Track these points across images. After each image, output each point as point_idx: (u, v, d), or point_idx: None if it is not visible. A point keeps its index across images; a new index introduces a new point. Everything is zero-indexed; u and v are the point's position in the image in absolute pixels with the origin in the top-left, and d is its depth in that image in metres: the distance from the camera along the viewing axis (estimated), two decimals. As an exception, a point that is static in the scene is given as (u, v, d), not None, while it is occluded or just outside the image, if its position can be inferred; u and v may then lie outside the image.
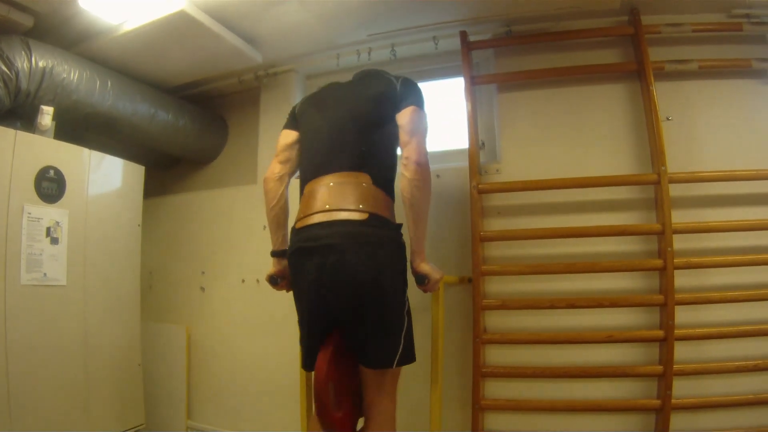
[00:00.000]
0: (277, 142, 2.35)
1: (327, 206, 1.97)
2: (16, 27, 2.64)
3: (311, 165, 2.15)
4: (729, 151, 2.62)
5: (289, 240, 2.15)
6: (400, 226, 2.06)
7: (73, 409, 2.62)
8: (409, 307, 2.05)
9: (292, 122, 2.37)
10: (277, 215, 2.28)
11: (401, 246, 2.04)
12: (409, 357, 2.00)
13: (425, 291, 2.18)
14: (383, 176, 2.09)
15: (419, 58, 3.22)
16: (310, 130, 2.26)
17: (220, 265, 3.50)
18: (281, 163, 2.29)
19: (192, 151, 3.68)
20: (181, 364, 3.47)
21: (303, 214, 2.04)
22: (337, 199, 1.98)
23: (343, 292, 1.89)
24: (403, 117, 2.09)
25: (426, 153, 2.04)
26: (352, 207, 1.95)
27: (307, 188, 2.11)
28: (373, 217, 1.95)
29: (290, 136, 2.33)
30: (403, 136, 2.06)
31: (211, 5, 2.70)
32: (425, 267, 2.06)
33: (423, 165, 2.00)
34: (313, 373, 1.96)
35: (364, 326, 1.91)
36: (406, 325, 2.00)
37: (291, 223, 2.17)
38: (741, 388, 2.43)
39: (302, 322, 2.07)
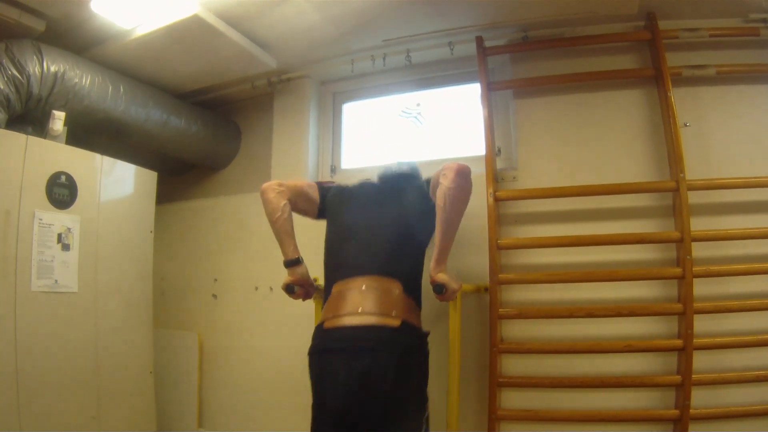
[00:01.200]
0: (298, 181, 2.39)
1: (360, 309, 1.96)
2: (28, 31, 2.63)
3: (340, 264, 2.15)
4: (747, 157, 2.59)
5: (312, 336, 2.09)
6: (427, 334, 2.07)
7: (84, 417, 2.59)
8: (428, 415, 2.04)
9: (323, 192, 2.42)
10: (284, 225, 2.26)
11: (427, 356, 2.06)
12: None
13: (442, 300, 2.16)
14: (413, 284, 2.11)
15: (434, 64, 3.20)
16: (341, 224, 2.28)
17: (233, 272, 3.48)
18: (284, 188, 2.31)
19: (205, 158, 3.67)
20: (193, 372, 3.45)
21: (332, 314, 2.01)
22: (370, 303, 1.97)
23: (371, 396, 1.86)
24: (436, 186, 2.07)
25: (468, 172, 2.02)
26: (385, 312, 1.94)
27: (335, 288, 2.09)
28: (405, 324, 1.95)
29: (314, 193, 2.40)
30: (439, 175, 2.06)
31: (224, 9, 2.68)
32: (444, 276, 2.04)
33: (463, 174, 1.99)
34: None
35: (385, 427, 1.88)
36: (425, 423, 1.99)
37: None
38: (760, 398, 2.39)
39: (319, 419, 2.01)
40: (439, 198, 1.98)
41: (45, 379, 2.42)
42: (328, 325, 2.00)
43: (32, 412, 2.34)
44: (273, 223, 2.27)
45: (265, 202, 2.28)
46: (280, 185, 2.31)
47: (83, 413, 2.60)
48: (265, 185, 2.31)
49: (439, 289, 2.05)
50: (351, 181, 2.54)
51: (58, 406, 2.47)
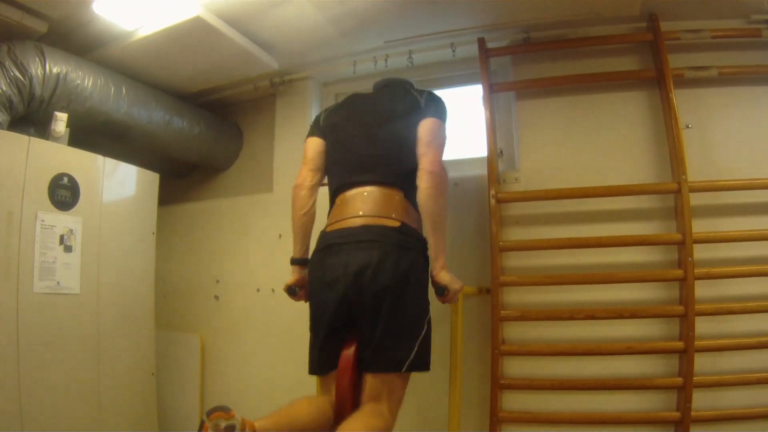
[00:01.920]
0: (304, 149, 2.34)
1: (361, 212, 2.01)
2: (30, 33, 2.62)
3: (343, 176, 2.17)
4: (750, 159, 2.59)
5: (315, 243, 2.13)
6: (426, 241, 2.07)
7: (85, 419, 2.59)
8: (430, 317, 2.03)
9: (318, 131, 2.36)
10: (305, 223, 2.27)
11: (427, 258, 2.06)
12: (421, 364, 1.96)
13: (444, 302, 2.15)
14: (413, 192, 2.09)
15: (436, 65, 3.21)
16: (339, 141, 2.26)
17: (235, 273, 3.48)
18: (312, 170, 2.29)
19: (207, 159, 3.67)
20: (195, 374, 3.45)
21: (335, 219, 2.07)
22: (372, 206, 2.02)
23: (368, 290, 1.87)
24: (422, 128, 2.11)
25: (442, 163, 2.06)
26: (385, 214, 1.98)
27: (339, 198, 2.13)
28: (404, 226, 1.99)
29: (319, 144, 2.32)
30: (420, 147, 2.08)
31: (226, 11, 2.68)
32: (445, 277, 2.04)
33: (438, 174, 2.02)
34: (323, 374, 1.99)
35: (381, 326, 1.88)
36: (424, 332, 1.97)
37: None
38: (762, 401, 2.39)
39: (318, 321, 2.03)
40: (421, 200, 2.01)
41: (47, 381, 2.41)
42: (330, 228, 2.06)
43: (34, 413, 2.33)
44: (296, 219, 2.28)
45: (294, 199, 2.28)
46: (312, 173, 2.29)
47: (85, 415, 2.59)
48: (298, 182, 2.29)
49: (441, 290, 2.05)
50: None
51: (60, 408, 2.46)
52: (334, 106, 2.45)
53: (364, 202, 2.03)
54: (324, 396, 1.99)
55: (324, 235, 2.07)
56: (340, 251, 1.95)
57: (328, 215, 2.16)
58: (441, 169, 2.05)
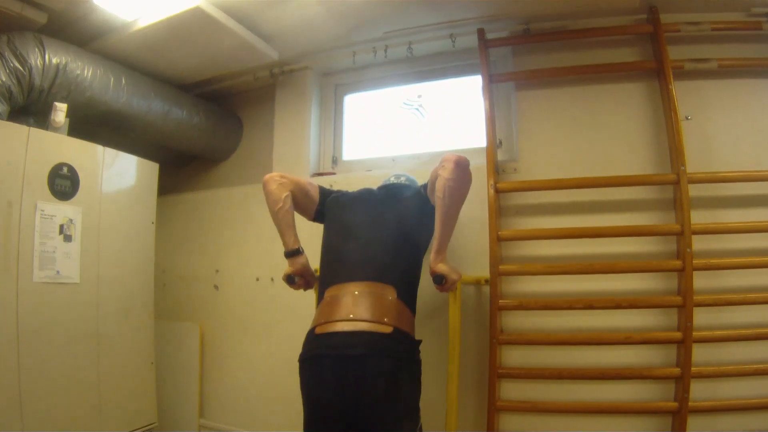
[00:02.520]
0: (300, 179, 2.40)
1: (351, 315, 1.94)
2: (30, 24, 2.63)
3: (336, 268, 2.15)
4: (748, 151, 2.58)
5: (304, 342, 2.06)
6: (419, 342, 2.04)
7: (85, 408, 2.61)
8: (421, 426, 2.01)
9: (325, 194, 2.42)
10: (285, 216, 2.27)
11: (419, 364, 2.03)
12: None
13: (442, 291, 2.17)
14: (408, 291, 2.10)
15: (436, 56, 3.21)
16: (338, 227, 2.28)
17: (234, 263, 3.49)
18: (286, 180, 2.32)
19: (206, 149, 3.68)
20: (194, 363, 3.46)
21: (324, 320, 1.99)
22: (362, 309, 1.95)
23: (361, 404, 1.85)
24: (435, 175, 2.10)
25: (466, 163, 2.04)
26: (377, 319, 1.92)
27: (328, 293, 2.09)
28: (396, 331, 1.93)
29: (315, 193, 2.41)
30: (438, 168, 2.07)
31: (226, 1, 2.68)
32: (443, 267, 2.05)
33: (462, 166, 2.01)
34: None
35: None
36: None
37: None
38: (758, 391, 2.40)
39: (311, 428, 1.99)
40: (438, 190, 1.99)
41: (47, 370, 2.43)
42: (319, 330, 1.98)
43: (34, 402, 2.35)
44: (274, 214, 2.28)
45: (267, 194, 2.28)
46: (282, 177, 2.32)
47: (85, 403, 2.61)
48: (267, 176, 2.31)
49: (439, 279, 2.06)
50: (353, 184, 2.58)
51: (59, 397, 2.48)
52: (344, 192, 2.47)
53: (355, 304, 1.97)
54: None
55: (313, 338, 2.00)
56: (332, 362, 1.89)
57: (317, 307, 2.13)
58: (466, 163, 2.03)
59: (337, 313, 1.96)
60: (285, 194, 2.26)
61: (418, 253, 2.21)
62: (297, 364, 2.01)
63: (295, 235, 2.29)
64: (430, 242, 2.13)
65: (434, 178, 2.08)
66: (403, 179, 2.61)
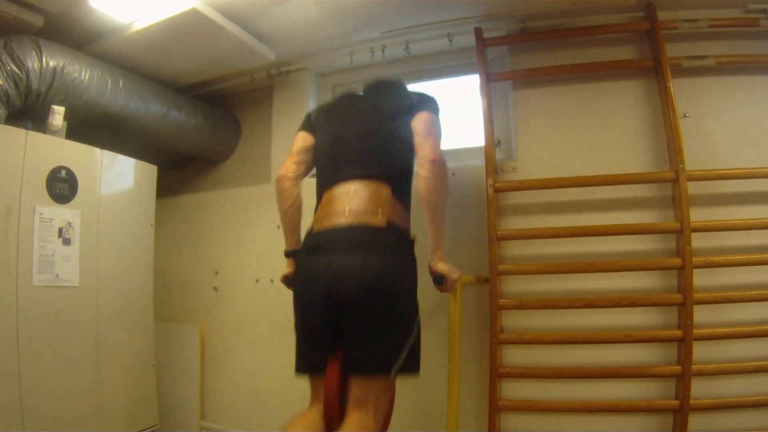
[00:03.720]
0: (292, 143, 2.34)
1: (347, 210, 1.97)
2: (27, 27, 2.63)
3: (331, 172, 2.15)
4: (747, 148, 2.59)
5: (302, 240, 2.12)
6: (414, 240, 2.06)
7: (85, 411, 2.61)
8: (419, 321, 2.02)
9: (308, 126, 2.36)
10: (293, 215, 2.27)
11: (414, 259, 2.03)
12: (410, 367, 1.95)
13: (442, 291, 2.16)
14: (402, 189, 2.11)
15: (433, 55, 3.20)
16: (329, 137, 2.25)
17: (234, 265, 3.50)
18: (296, 164, 2.29)
19: (205, 151, 3.68)
20: (195, 365, 3.47)
21: (321, 216, 2.04)
22: (358, 204, 1.98)
23: (355, 294, 1.85)
24: (418, 122, 2.11)
25: (440, 153, 2.04)
26: (371, 211, 1.95)
27: (326, 194, 2.10)
28: (391, 225, 1.96)
29: (307, 139, 2.32)
30: (417, 139, 2.08)
31: (222, 3, 2.68)
32: (443, 266, 2.05)
33: (438, 163, 2.00)
34: (311, 377, 2.00)
35: (369, 330, 1.86)
36: (413, 336, 1.95)
37: (305, 225, 2.16)
38: (759, 389, 2.40)
39: (303, 322, 2.02)
40: (420, 189, 2.00)
41: (47, 373, 2.43)
42: (316, 227, 2.04)
43: (35, 405, 2.35)
44: (283, 212, 2.28)
45: (280, 191, 2.28)
46: (296, 165, 2.29)
47: (85, 406, 2.61)
48: (281, 173, 2.29)
49: (439, 279, 2.06)
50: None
51: (60, 400, 2.48)
52: (327, 103, 2.46)
53: (350, 200, 2.00)
54: (314, 409, 1.97)
55: (310, 235, 2.06)
56: (327, 253, 1.92)
57: (315, 211, 2.14)
58: (442, 158, 2.03)
59: (334, 209, 2.02)
60: (297, 192, 2.27)
61: (409, 152, 2.17)
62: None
63: (298, 237, 2.28)
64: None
65: (417, 143, 2.08)
66: (389, 77, 2.55)
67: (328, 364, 1.93)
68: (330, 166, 2.18)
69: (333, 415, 1.88)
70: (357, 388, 1.87)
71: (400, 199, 2.07)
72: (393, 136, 2.14)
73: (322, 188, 2.14)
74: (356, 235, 1.92)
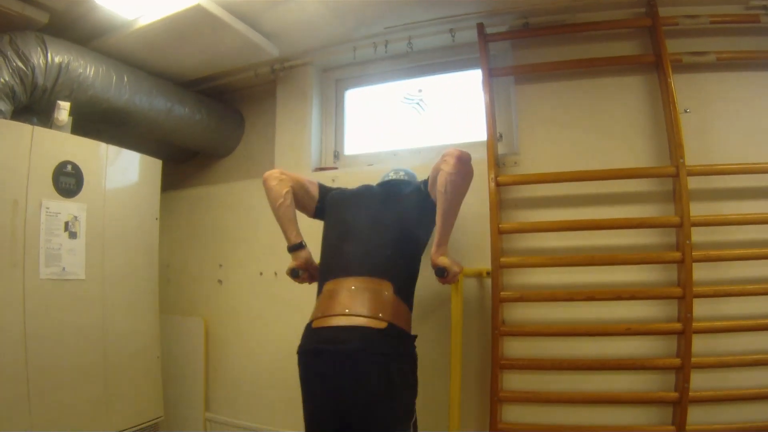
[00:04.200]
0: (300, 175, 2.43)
1: (347, 310, 1.96)
2: (32, 23, 2.64)
3: (334, 263, 2.17)
4: (747, 143, 2.59)
5: (302, 335, 2.10)
6: (415, 338, 2.07)
7: (92, 402, 2.64)
8: (416, 419, 2.05)
9: (324, 193, 2.45)
10: (286, 212, 2.31)
11: (415, 360, 2.06)
12: None
13: (444, 283, 2.20)
14: (405, 287, 2.11)
15: (436, 50, 3.21)
16: (339, 224, 2.30)
17: (238, 257, 3.52)
18: (285, 177, 2.35)
19: (209, 145, 3.70)
20: (199, 357, 3.49)
21: (321, 314, 2.03)
22: (358, 304, 1.97)
23: (356, 398, 1.88)
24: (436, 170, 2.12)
25: (468, 158, 2.05)
26: (371, 315, 1.95)
27: (326, 287, 2.11)
28: (391, 327, 1.95)
29: (315, 192, 2.44)
30: (439, 162, 2.08)
31: (227, -1, 2.70)
32: (445, 260, 2.09)
33: (464, 161, 2.03)
34: None
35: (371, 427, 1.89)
36: None
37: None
38: (758, 382, 2.42)
39: (310, 422, 2.03)
40: (440, 184, 2.01)
41: (54, 366, 2.46)
42: (316, 324, 2.02)
43: (42, 397, 2.38)
44: (275, 210, 2.31)
45: (268, 190, 2.32)
46: (282, 174, 2.35)
47: (92, 398, 2.64)
48: (267, 174, 2.35)
49: (441, 272, 2.10)
50: (355, 179, 2.63)
51: (67, 392, 2.51)
52: (344, 189, 2.50)
53: (351, 299, 1.99)
54: None
55: (310, 332, 2.05)
56: (328, 356, 1.92)
57: (317, 297, 2.16)
58: (468, 157, 2.05)
59: (334, 307, 2.00)
60: (285, 190, 2.30)
61: (417, 250, 2.24)
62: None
63: (297, 230, 2.33)
64: (431, 237, 2.15)
65: (435, 173, 2.10)
66: (402, 174, 2.62)
67: None
68: (334, 257, 2.20)
69: None
70: None
71: (404, 297, 2.07)
72: (403, 233, 2.17)
73: (324, 278, 2.16)
74: (356, 339, 1.91)
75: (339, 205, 2.38)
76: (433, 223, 2.15)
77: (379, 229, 2.18)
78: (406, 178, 2.59)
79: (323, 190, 2.48)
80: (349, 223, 2.25)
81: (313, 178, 2.48)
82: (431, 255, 2.11)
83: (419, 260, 2.24)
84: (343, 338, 1.92)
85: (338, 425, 1.93)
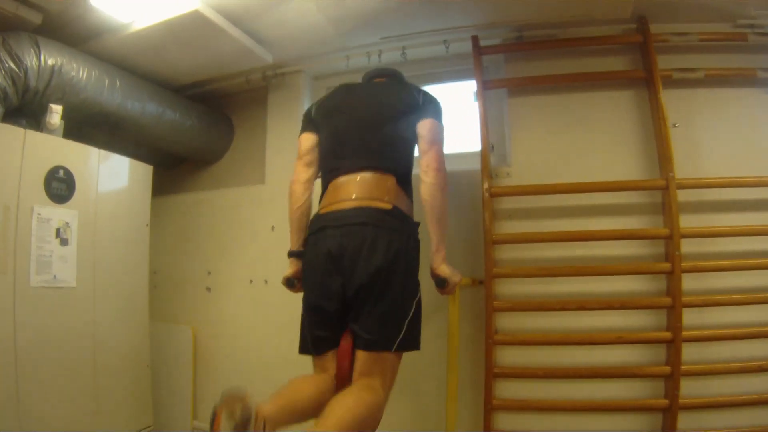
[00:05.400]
0: (298, 144, 2.38)
1: (354, 196, 2.04)
2: (25, 24, 2.59)
3: (336, 164, 2.20)
4: (734, 158, 2.67)
5: (310, 225, 2.17)
6: (418, 224, 2.13)
7: (82, 411, 2.59)
8: (420, 298, 2.07)
9: (311, 125, 2.39)
10: (300, 217, 2.29)
11: (418, 242, 2.12)
12: (410, 344, 2.01)
13: (443, 293, 2.23)
14: (405, 179, 2.19)
15: (429, 61, 3.23)
16: (332, 131, 2.29)
17: (227, 265, 3.48)
18: (306, 165, 2.33)
19: (198, 151, 3.66)
20: (187, 365, 3.44)
21: (327, 203, 2.11)
22: (364, 190, 2.06)
23: (361, 270, 1.91)
24: (424, 127, 2.19)
25: (444, 161, 2.15)
26: (378, 197, 2.03)
27: (332, 184, 2.16)
28: (396, 209, 2.03)
29: (312, 139, 2.36)
30: (422, 144, 2.17)
31: (224, 5, 2.68)
32: (446, 269, 2.12)
33: (442, 171, 2.12)
34: (317, 355, 2.04)
35: (373, 306, 1.92)
36: (412, 313, 2.01)
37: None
38: (746, 388, 2.48)
39: (312, 301, 2.05)
40: (424, 195, 2.09)
41: (44, 374, 2.41)
42: (323, 210, 2.10)
43: (31, 406, 2.33)
44: (291, 212, 2.31)
45: (290, 194, 2.32)
46: (306, 168, 2.33)
47: (82, 407, 2.59)
48: (293, 178, 2.34)
49: (441, 282, 2.13)
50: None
51: (56, 401, 2.46)
52: (325, 97, 2.46)
53: (357, 187, 2.07)
54: (322, 375, 2.02)
55: (318, 217, 2.12)
56: (335, 233, 1.98)
57: (320, 200, 2.19)
58: (444, 167, 2.14)
59: (341, 195, 2.08)
60: (307, 195, 2.31)
61: (410, 145, 2.26)
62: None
63: (304, 239, 2.29)
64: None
65: (422, 147, 2.18)
66: (388, 68, 2.62)
67: (341, 337, 2.00)
68: (335, 159, 2.22)
69: (344, 382, 1.94)
70: (363, 360, 1.94)
71: (404, 188, 2.15)
72: (398, 132, 2.20)
73: (328, 179, 2.20)
74: (364, 216, 1.98)
75: (325, 115, 2.35)
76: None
77: (372, 128, 2.20)
78: (391, 70, 2.58)
79: (306, 123, 2.42)
80: (340, 129, 2.27)
81: (300, 135, 2.41)
82: (431, 262, 2.13)
83: (413, 151, 2.27)
84: (353, 215, 2.00)
85: (339, 304, 1.97)
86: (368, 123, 2.22)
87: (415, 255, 2.09)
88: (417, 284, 2.07)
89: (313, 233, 2.09)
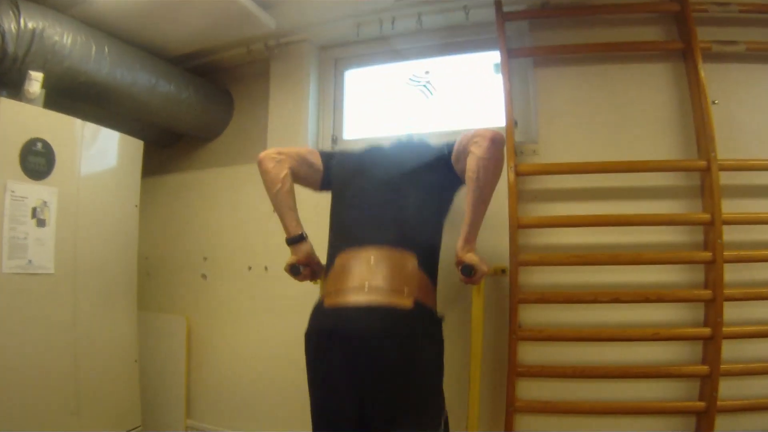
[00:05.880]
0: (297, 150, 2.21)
1: (367, 285, 1.76)
2: (3, -15, 2.37)
3: (347, 233, 1.97)
4: (776, 138, 2.50)
5: (310, 315, 1.90)
6: (442, 320, 1.87)
7: (61, 411, 2.40)
8: (447, 416, 1.88)
9: (326, 160, 2.22)
10: (285, 198, 2.08)
11: (442, 343, 1.85)
12: None
13: (468, 283, 2.00)
14: (429, 259, 1.92)
15: (447, 29, 3.00)
16: (349, 192, 2.07)
17: (225, 250, 3.30)
18: (283, 156, 2.12)
19: (195, 126, 3.46)
20: (180, 358, 3.28)
21: (335, 290, 1.82)
22: (380, 278, 1.77)
23: (377, 387, 1.69)
24: (458, 143, 1.94)
25: (502, 137, 1.86)
26: (396, 291, 1.75)
27: (339, 260, 1.89)
28: (417, 306, 1.75)
29: (317, 161, 2.21)
30: (463, 139, 1.91)
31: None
32: (474, 257, 1.88)
33: (497, 144, 1.82)
34: None
35: (395, 427, 1.68)
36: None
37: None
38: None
39: (320, 413, 1.83)
40: (471, 169, 1.81)
41: (18, 370, 2.21)
42: (329, 302, 1.81)
43: (5, 404, 2.14)
44: (273, 196, 2.09)
45: (263, 173, 2.09)
46: (279, 153, 2.12)
47: (61, 406, 2.40)
48: (263, 154, 2.11)
49: (468, 271, 1.89)
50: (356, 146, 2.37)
51: (34, 399, 2.27)
52: (350, 152, 2.27)
53: (371, 271, 1.79)
54: None
55: (321, 312, 1.85)
56: (344, 343, 1.72)
57: (325, 277, 1.95)
58: (502, 140, 1.86)
59: (350, 281, 1.79)
60: (284, 173, 2.07)
61: (440, 217, 2.03)
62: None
63: (297, 220, 2.11)
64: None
65: (463, 150, 1.89)
66: (415, 138, 2.43)
67: None
68: (346, 225, 2.00)
69: None
70: None
71: (428, 272, 1.88)
72: (423, 199, 1.96)
73: (336, 250, 1.94)
74: (379, 322, 1.71)
75: (347, 172, 2.14)
76: (454, 192, 2.01)
77: (395, 195, 1.96)
78: (419, 140, 2.37)
79: (326, 157, 2.24)
80: (359, 191, 2.03)
81: (312, 148, 2.23)
82: (457, 251, 1.90)
83: (442, 229, 2.02)
84: (363, 319, 1.72)
85: (356, 415, 1.73)
86: (390, 187, 1.98)
87: (440, 365, 1.83)
88: (442, 397, 1.85)
89: (315, 332, 1.84)
